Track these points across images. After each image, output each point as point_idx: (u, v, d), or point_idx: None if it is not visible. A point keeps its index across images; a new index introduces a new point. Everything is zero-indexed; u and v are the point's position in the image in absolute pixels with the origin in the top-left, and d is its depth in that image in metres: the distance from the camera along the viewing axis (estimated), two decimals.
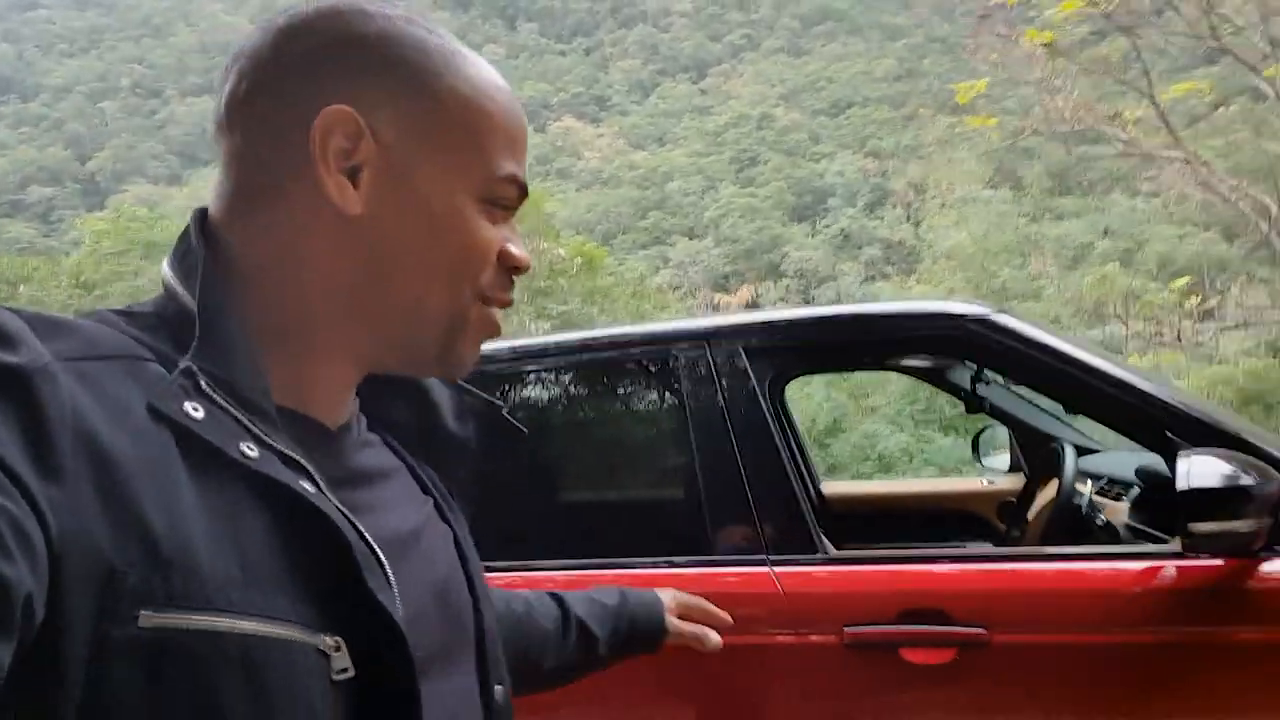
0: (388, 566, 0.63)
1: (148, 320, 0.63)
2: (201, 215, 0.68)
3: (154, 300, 0.66)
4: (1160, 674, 1.73)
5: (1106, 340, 16.10)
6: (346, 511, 0.62)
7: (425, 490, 0.79)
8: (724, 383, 2.04)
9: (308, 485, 0.60)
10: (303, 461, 0.61)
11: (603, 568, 2.01)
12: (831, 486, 3.40)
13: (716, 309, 33.59)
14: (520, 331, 15.91)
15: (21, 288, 20.71)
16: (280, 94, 0.64)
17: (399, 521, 0.71)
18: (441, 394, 0.83)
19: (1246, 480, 1.62)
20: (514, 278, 0.72)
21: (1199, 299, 12.47)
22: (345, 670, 0.58)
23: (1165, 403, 1.85)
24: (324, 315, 0.66)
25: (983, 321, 1.99)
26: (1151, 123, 11.64)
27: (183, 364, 0.59)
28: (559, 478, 2.28)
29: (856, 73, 74.91)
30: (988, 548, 2.58)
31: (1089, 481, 2.40)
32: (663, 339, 2.16)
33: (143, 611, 0.50)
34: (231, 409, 0.59)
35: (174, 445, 0.55)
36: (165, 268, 0.66)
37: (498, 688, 0.78)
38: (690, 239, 48.51)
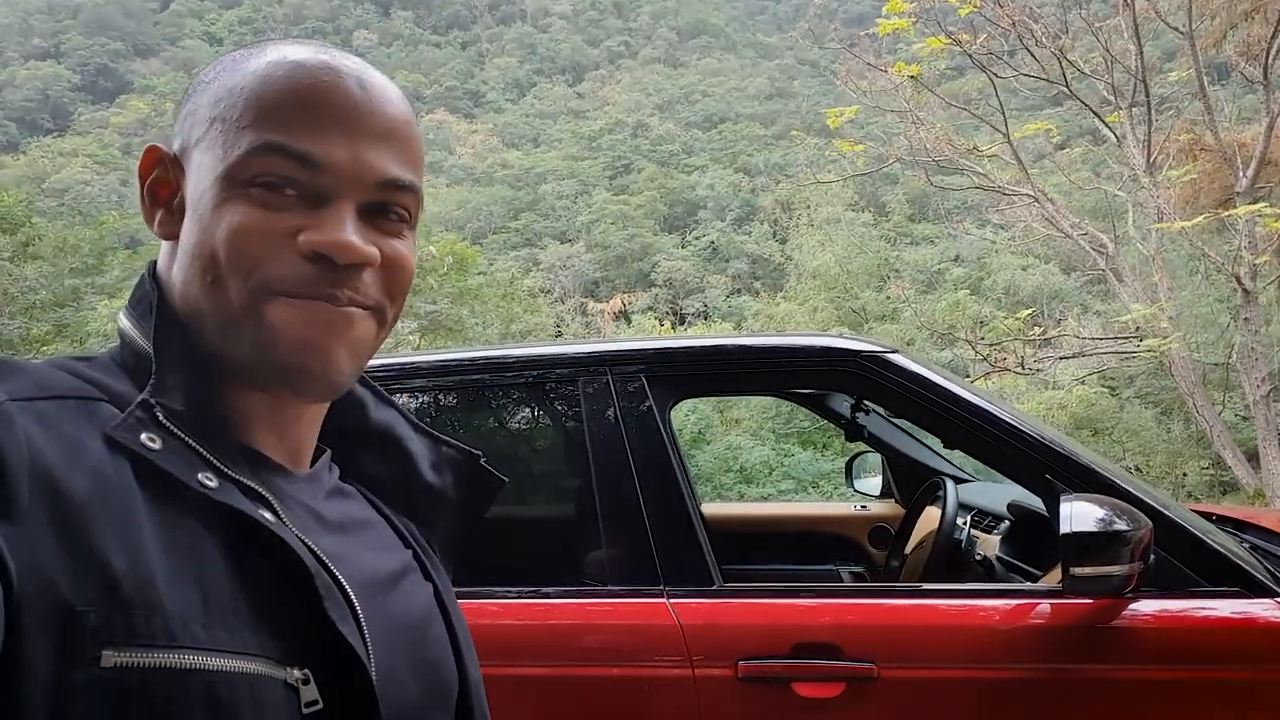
0: (355, 600, 0.63)
1: (103, 365, 0.64)
2: (154, 265, 0.69)
3: (110, 349, 0.67)
4: (1038, 710, 1.79)
5: (954, 362, 16.95)
6: (309, 542, 0.61)
7: (405, 544, 0.77)
8: (623, 408, 2.01)
9: (267, 514, 0.60)
10: (263, 492, 0.61)
11: (497, 596, 1.96)
12: (709, 508, 3.43)
13: (587, 316, 33.70)
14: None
15: None
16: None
17: (371, 567, 0.69)
18: (417, 445, 0.81)
19: (1121, 525, 1.70)
20: (341, 269, 0.63)
21: (1040, 328, 13.22)
22: (315, 703, 0.57)
23: (1047, 446, 1.93)
24: (203, 339, 0.65)
25: (876, 359, 2.03)
26: (1003, 159, 12.29)
27: (139, 398, 0.59)
28: None
29: (730, 88, 76.49)
30: (869, 574, 2.65)
31: (965, 514, 2.48)
32: (561, 362, 2.12)
33: (105, 651, 0.50)
34: (189, 440, 0.59)
35: (132, 479, 0.55)
36: (121, 316, 0.68)
37: None
38: (562, 243, 48.33)
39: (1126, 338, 11.90)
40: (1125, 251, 12.00)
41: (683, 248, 48.27)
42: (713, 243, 47.85)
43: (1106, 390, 18.31)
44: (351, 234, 0.63)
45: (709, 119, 69.89)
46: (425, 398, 2.20)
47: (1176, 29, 10.44)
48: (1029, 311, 13.96)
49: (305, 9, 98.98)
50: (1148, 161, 10.74)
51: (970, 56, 11.42)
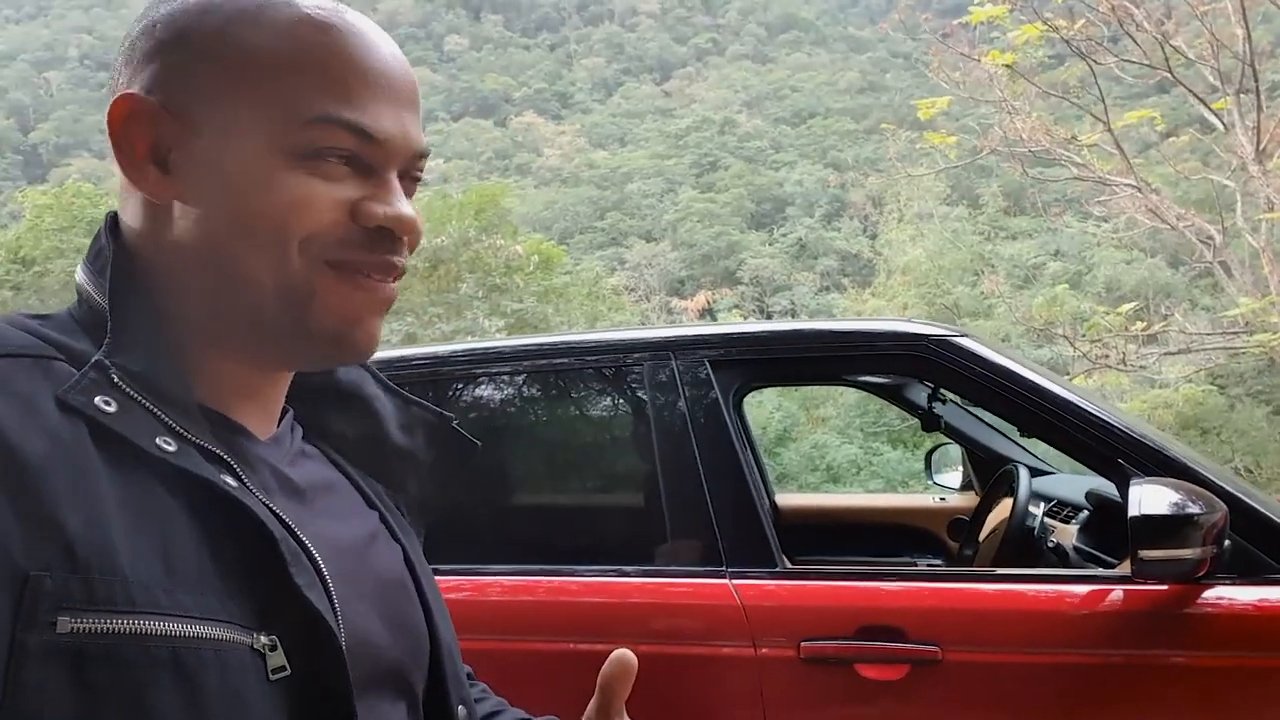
0: (322, 564, 0.61)
1: (61, 322, 0.62)
2: (112, 217, 0.67)
3: (70, 306, 0.65)
4: (1105, 695, 1.76)
5: (1054, 360, 16.45)
6: (274, 507, 0.60)
7: (371, 505, 0.76)
8: (688, 393, 2.05)
9: (229, 479, 0.59)
10: (224, 456, 0.60)
11: (562, 574, 2.02)
12: (785, 499, 3.44)
13: (671, 314, 33.84)
14: (474, 328, 15.77)
15: None
16: (119, 81, 0.65)
17: (338, 531, 0.68)
18: (385, 405, 0.80)
19: (1194, 509, 1.66)
20: (396, 240, 0.65)
21: (1144, 324, 12.71)
22: (282, 669, 0.56)
23: (1119, 430, 1.90)
24: (194, 307, 0.63)
25: (944, 343, 2.02)
26: (1105, 148, 11.88)
27: (94, 358, 0.57)
28: (521, 483, 2.27)
29: (820, 83, 75.50)
30: (944, 566, 2.63)
31: (1040, 504, 2.45)
32: (628, 347, 2.16)
33: (60, 617, 0.49)
34: (146, 403, 0.58)
35: (89, 441, 0.54)
36: (79, 271, 0.66)
37: (460, 709, 0.75)
38: (647, 241, 48.39)
39: (1235, 333, 11.39)
40: (1235, 244, 11.48)
41: (770, 245, 47.88)
42: (800, 239, 47.35)
43: (1216, 389, 17.54)
44: (407, 206, 0.64)
45: (798, 114, 69.14)
46: (499, 382, 2.28)
47: None
48: (1131, 306, 13.48)
49: (398, 14, 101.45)
50: (1257, 150, 10.25)
51: (1068, 43, 11.09)
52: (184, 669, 0.52)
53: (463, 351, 2.23)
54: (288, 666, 0.57)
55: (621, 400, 2.26)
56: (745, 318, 31.97)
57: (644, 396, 2.09)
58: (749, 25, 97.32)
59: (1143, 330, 12.41)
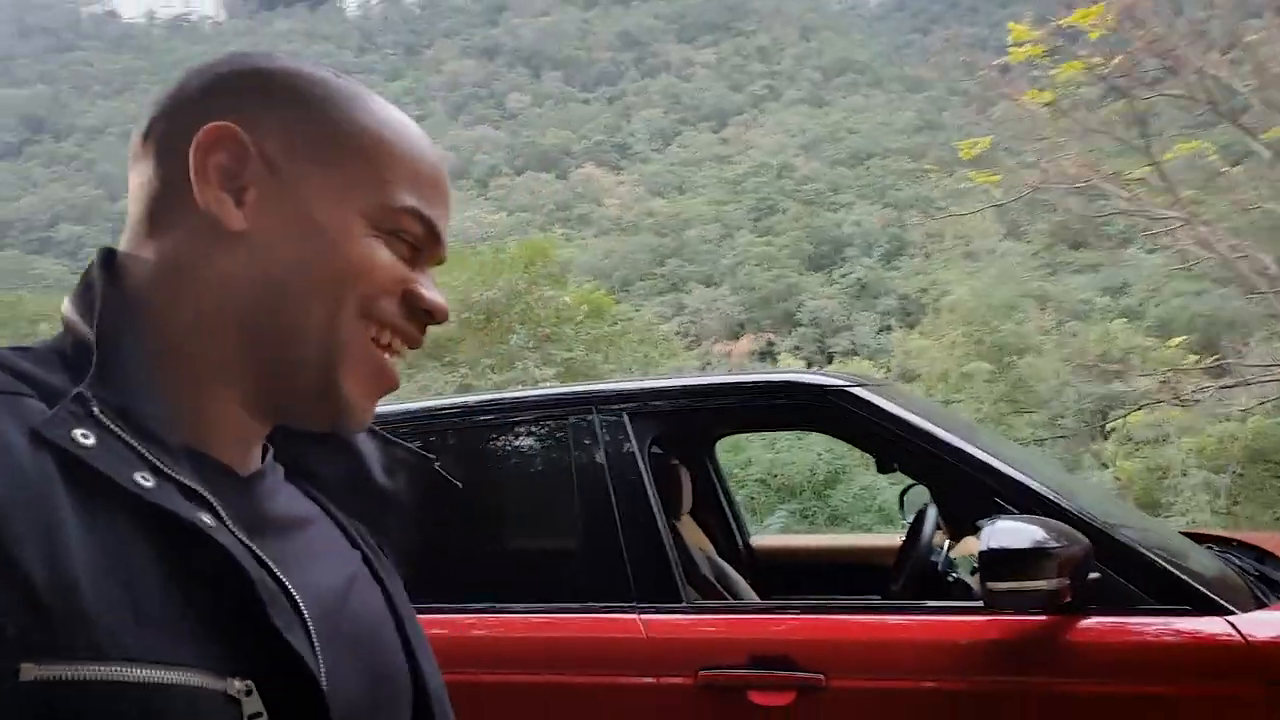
0: (302, 605, 0.61)
1: (42, 355, 0.61)
2: (106, 252, 0.67)
3: (54, 337, 0.65)
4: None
5: (1113, 397, 16.13)
6: (253, 547, 0.59)
7: (354, 544, 0.75)
8: (607, 443, 2.23)
9: (207, 517, 0.56)
10: (204, 493, 0.58)
11: (491, 611, 2.20)
12: (761, 540, 3.59)
13: (727, 357, 33.96)
14: (524, 377, 16.11)
15: (43, 325, 21.15)
16: (175, 121, 0.65)
17: (319, 572, 0.67)
18: (368, 445, 0.80)
19: (1048, 543, 1.77)
20: (425, 323, 0.69)
21: (1205, 357, 12.47)
22: (259, 715, 0.55)
23: (999, 472, 2.02)
24: (212, 336, 0.64)
25: (840, 393, 2.17)
26: (1155, 182, 11.81)
27: (75, 390, 0.56)
28: (454, 529, 2.47)
29: (877, 124, 75.51)
30: (832, 599, 2.76)
31: (947, 541, 2.56)
32: (553, 403, 2.36)
33: (23, 664, 0.47)
34: (126, 436, 0.56)
35: (59, 479, 0.52)
36: (65, 304, 0.65)
37: None
38: (707, 286, 48.80)
39: None
40: None
41: (829, 286, 47.87)
42: (860, 279, 47.27)
43: None
44: (443, 297, 0.70)
45: (855, 155, 69.15)
46: (431, 443, 2.49)
47: None
48: (1182, 339, 13.23)
49: (462, 75, 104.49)
50: None
51: (1105, 80, 11.10)
52: (153, 716, 0.50)
53: (392, 414, 2.46)
54: (264, 712, 0.55)
55: (547, 451, 2.45)
56: (808, 360, 31.94)
57: (567, 447, 2.27)
58: (804, 70, 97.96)
59: (1195, 364, 12.18)
